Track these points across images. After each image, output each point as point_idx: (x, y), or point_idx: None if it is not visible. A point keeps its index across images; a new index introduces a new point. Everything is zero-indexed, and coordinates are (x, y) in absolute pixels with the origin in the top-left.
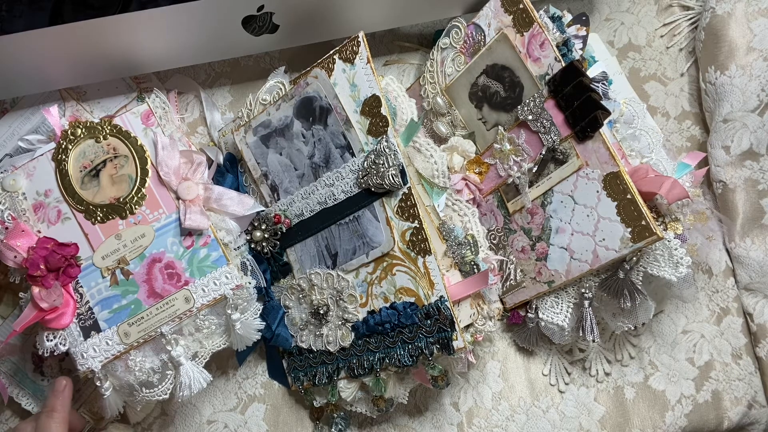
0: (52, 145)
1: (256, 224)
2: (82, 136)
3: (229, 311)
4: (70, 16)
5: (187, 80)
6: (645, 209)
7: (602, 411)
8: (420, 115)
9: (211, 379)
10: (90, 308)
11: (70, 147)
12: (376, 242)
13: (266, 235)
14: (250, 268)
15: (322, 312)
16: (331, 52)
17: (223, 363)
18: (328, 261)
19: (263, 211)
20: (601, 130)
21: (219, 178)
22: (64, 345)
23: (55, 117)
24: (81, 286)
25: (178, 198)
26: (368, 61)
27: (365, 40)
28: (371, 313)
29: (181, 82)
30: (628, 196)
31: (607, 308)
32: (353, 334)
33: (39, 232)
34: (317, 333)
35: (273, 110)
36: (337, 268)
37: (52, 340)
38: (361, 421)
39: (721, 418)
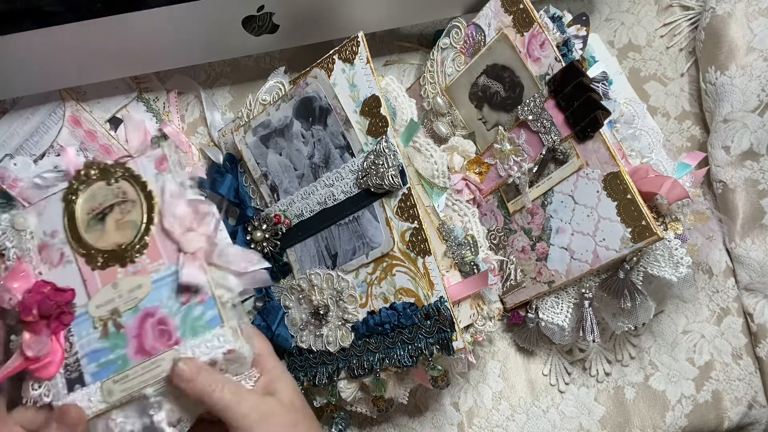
0: (65, 184)
1: (256, 224)
2: (95, 177)
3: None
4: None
5: (187, 80)
6: (645, 209)
7: (602, 411)
8: (420, 115)
9: None
10: (78, 359)
11: (81, 188)
12: (376, 243)
13: (266, 236)
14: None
15: (322, 312)
16: (331, 52)
17: None
18: (327, 261)
19: (263, 211)
20: (601, 130)
21: (219, 178)
22: (48, 396)
23: (72, 157)
24: (72, 335)
25: (179, 249)
26: (368, 61)
27: (365, 40)
28: (371, 313)
29: (181, 82)
30: (629, 196)
31: (607, 308)
32: (353, 334)
33: (40, 273)
34: (317, 333)
35: (273, 110)
36: (337, 269)
37: (36, 390)
38: (361, 421)
39: (721, 418)
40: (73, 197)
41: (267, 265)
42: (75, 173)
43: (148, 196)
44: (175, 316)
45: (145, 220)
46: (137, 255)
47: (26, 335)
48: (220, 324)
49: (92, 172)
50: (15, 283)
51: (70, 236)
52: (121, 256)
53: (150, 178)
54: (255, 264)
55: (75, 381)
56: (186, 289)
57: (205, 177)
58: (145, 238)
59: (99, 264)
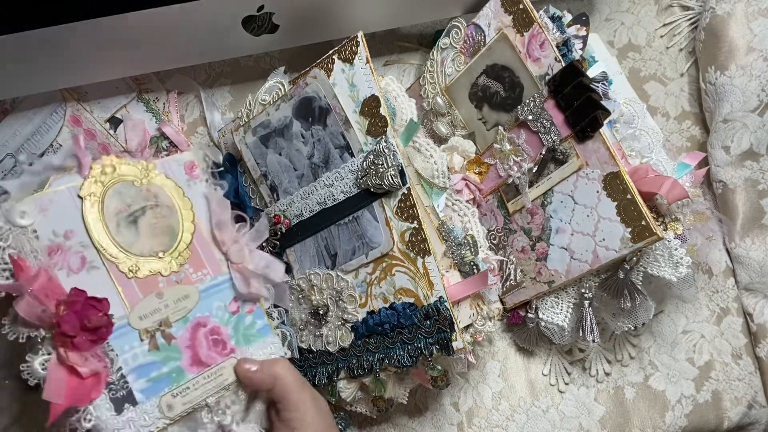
0: (75, 178)
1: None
2: (118, 173)
3: None
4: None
5: (187, 80)
6: (645, 209)
7: (602, 411)
8: (420, 115)
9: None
10: (123, 376)
11: (102, 185)
12: (376, 243)
13: (266, 221)
14: (288, 338)
15: (321, 312)
16: (330, 52)
17: None
18: (327, 261)
19: (263, 211)
20: (601, 130)
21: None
22: (89, 421)
23: (84, 149)
24: (112, 350)
25: (227, 260)
26: (367, 61)
27: (364, 40)
28: (371, 313)
29: (181, 82)
30: (628, 196)
31: (607, 308)
32: (353, 334)
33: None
34: (317, 333)
35: (272, 110)
36: (337, 269)
37: (74, 415)
38: (361, 421)
39: (721, 418)
40: (94, 195)
41: (286, 278)
42: (91, 167)
43: (186, 203)
44: (226, 325)
45: (183, 228)
46: (179, 264)
47: (64, 352)
48: (271, 332)
49: (113, 167)
50: (42, 291)
51: (96, 239)
52: (161, 263)
53: (182, 183)
54: (282, 271)
55: (124, 400)
56: (234, 299)
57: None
58: (186, 246)
59: (137, 271)
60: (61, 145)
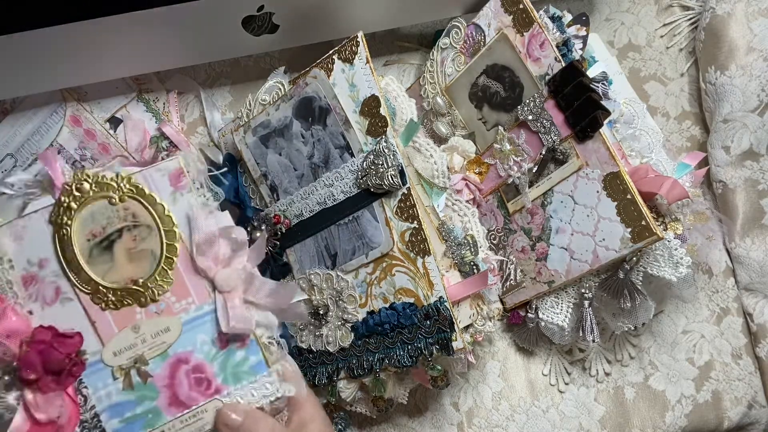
0: (48, 200)
1: (256, 224)
2: (90, 193)
3: None
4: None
5: (187, 80)
6: (645, 209)
7: (602, 411)
8: (420, 115)
9: None
10: (96, 414)
11: (75, 207)
12: (376, 243)
13: (266, 236)
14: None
15: (321, 312)
16: (330, 52)
17: None
18: (327, 261)
19: (263, 211)
20: (601, 130)
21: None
22: None
23: (56, 166)
24: (85, 386)
25: (214, 288)
26: (367, 61)
27: (364, 40)
28: (371, 313)
29: (181, 82)
30: (628, 196)
31: (607, 308)
32: (353, 334)
33: (30, 313)
34: (317, 333)
35: (272, 110)
36: (337, 269)
37: None
38: (361, 421)
39: (721, 418)
40: (66, 219)
41: (304, 296)
42: (63, 187)
43: (167, 221)
44: (212, 362)
45: (165, 251)
46: (159, 293)
47: (29, 395)
48: (267, 369)
49: (86, 186)
50: (6, 329)
51: (68, 268)
52: (138, 293)
53: (166, 197)
54: (292, 297)
55: None
56: (224, 332)
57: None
58: (168, 272)
59: (111, 303)
60: (61, 145)
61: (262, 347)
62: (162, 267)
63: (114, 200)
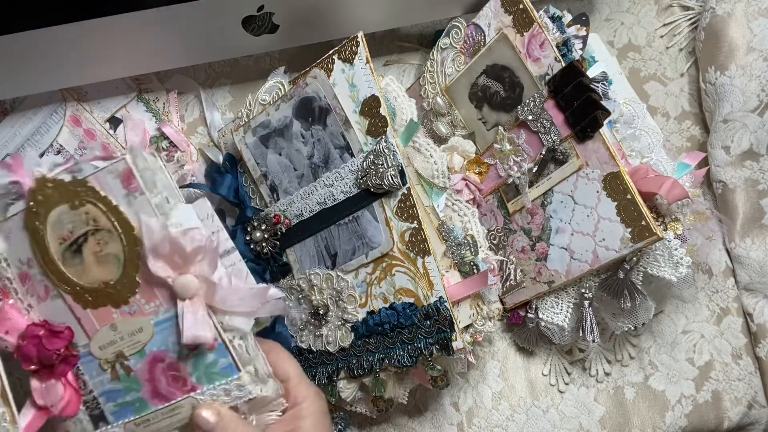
0: (23, 204)
1: (255, 224)
2: (53, 198)
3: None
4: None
5: (187, 80)
6: (645, 209)
7: (602, 411)
8: (420, 115)
9: None
10: (95, 398)
11: (42, 212)
12: (376, 243)
13: (266, 236)
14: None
15: (321, 312)
16: (330, 52)
17: None
18: (327, 261)
19: (263, 211)
20: (601, 130)
21: (218, 178)
22: None
23: (21, 172)
24: (83, 374)
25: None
26: (367, 62)
27: (364, 40)
28: (371, 313)
29: (181, 82)
30: (628, 197)
31: (607, 308)
32: (353, 334)
33: (30, 306)
34: (317, 333)
35: (272, 110)
36: (337, 269)
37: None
38: (361, 421)
39: (721, 418)
40: (38, 223)
41: (280, 294)
42: (29, 193)
43: (125, 225)
44: (185, 362)
45: (127, 255)
46: (129, 295)
47: (34, 383)
48: (236, 372)
49: (48, 191)
50: (4, 328)
51: (48, 270)
52: (110, 295)
53: (120, 200)
54: (265, 299)
55: (98, 418)
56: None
57: (203, 181)
58: (134, 275)
59: (89, 303)
60: (61, 145)
61: (230, 351)
62: (126, 271)
63: (75, 204)
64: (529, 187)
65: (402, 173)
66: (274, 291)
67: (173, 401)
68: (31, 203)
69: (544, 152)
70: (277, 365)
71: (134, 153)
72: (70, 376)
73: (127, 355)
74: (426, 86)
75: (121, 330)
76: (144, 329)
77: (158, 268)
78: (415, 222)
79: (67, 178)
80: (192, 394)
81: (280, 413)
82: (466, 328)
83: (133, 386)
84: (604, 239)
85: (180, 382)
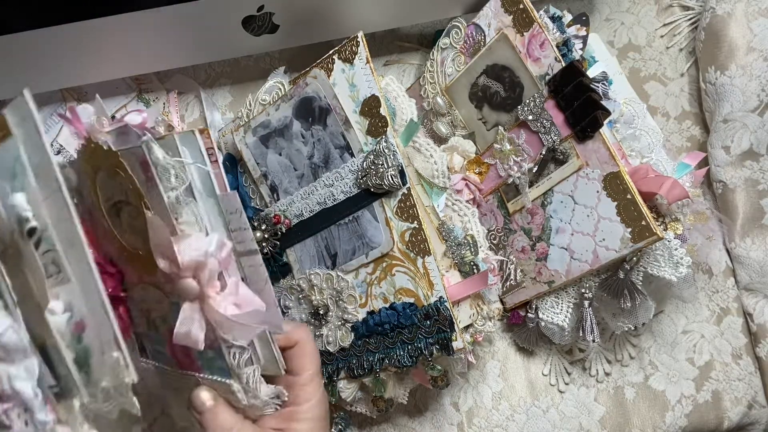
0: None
1: (256, 224)
2: (98, 159)
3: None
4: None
5: (187, 80)
6: (645, 209)
7: (602, 411)
8: (420, 115)
9: None
10: (138, 335)
11: (91, 168)
12: (376, 243)
13: (266, 236)
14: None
15: (321, 312)
16: (330, 52)
17: None
18: (327, 261)
19: (263, 211)
20: (601, 130)
21: None
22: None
23: (79, 122)
24: (129, 313)
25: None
26: (367, 61)
27: (364, 40)
28: (371, 313)
29: (181, 82)
30: (628, 196)
31: (607, 308)
32: (353, 334)
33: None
34: (317, 333)
35: (272, 110)
36: (337, 269)
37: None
38: (361, 421)
39: (721, 418)
40: (91, 176)
41: (276, 310)
42: (83, 145)
43: (146, 209)
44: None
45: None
46: (154, 268)
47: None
48: (229, 378)
49: (93, 152)
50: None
51: (107, 215)
52: (142, 261)
53: (142, 185)
54: (262, 319)
55: (142, 350)
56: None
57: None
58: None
59: (129, 259)
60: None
61: (226, 358)
62: (150, 249)
63: (111, 173)
64: (529, 187)
65: (402, 173)
66: (264, 305)
67: (185, 371)
68: (86, 156)
69: (544, 152)
70: (294, 359)
71: (149, 145)
72: (123, 310)
73: (153, 317)
74: (426, 86)
75: (149, 295)
76: (162, 302)
77: (162, 264)
78: (415, 222)
79: (106, 145)
80: (197, 374)
81: (279, 406)
82: (466, 328)
83: (162, 340)
84: (604, 239)
85: (189, 359)
